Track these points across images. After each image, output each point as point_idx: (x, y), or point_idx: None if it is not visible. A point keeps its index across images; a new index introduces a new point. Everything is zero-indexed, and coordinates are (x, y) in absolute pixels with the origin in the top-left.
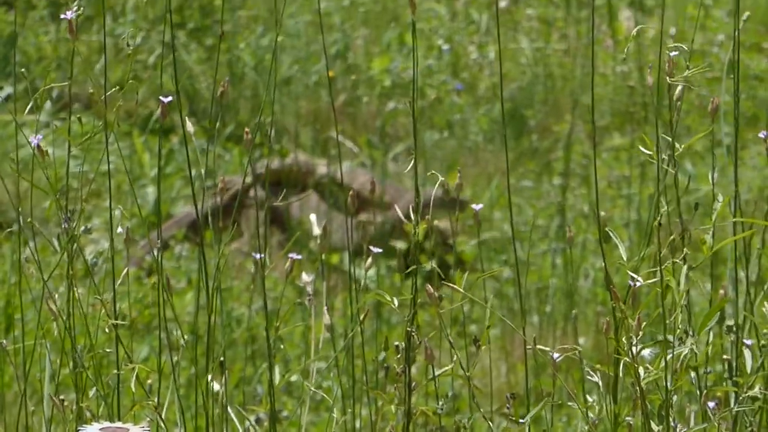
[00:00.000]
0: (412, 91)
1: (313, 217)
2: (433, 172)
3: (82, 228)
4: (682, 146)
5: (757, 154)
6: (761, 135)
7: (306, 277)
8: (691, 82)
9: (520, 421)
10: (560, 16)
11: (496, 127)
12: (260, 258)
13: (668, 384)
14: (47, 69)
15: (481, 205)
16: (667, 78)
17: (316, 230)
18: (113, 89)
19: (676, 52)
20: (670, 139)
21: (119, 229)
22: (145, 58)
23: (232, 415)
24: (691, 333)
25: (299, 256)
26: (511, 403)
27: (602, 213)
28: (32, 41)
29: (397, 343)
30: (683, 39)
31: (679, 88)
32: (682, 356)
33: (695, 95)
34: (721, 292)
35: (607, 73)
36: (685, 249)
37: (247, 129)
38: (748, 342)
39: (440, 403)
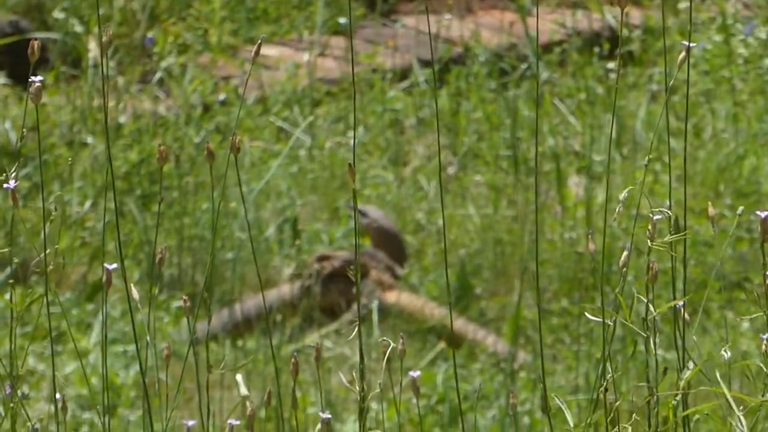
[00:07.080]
0: (355, 260)
1: (239, 377)
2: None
3: (20, 393)
4: (653, 314)
5: (706, 318)
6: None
7: None
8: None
9: None
10: (509, 182)
11: (444, 293)
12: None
13: None
14: None
15: (418, 372)
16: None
17: (244, 390)
18: (46, 252)
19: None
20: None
21: (57, 395)
22: (92, 225)
23: None
24: None
25: (238, 422)
26: None
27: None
28: None
29: None
30: (631, 204)
31: (625, 254)
32: None
33: (643, 261)
34: None
35: (555, 239)
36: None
37: (185, 296)
38: None
39: None
